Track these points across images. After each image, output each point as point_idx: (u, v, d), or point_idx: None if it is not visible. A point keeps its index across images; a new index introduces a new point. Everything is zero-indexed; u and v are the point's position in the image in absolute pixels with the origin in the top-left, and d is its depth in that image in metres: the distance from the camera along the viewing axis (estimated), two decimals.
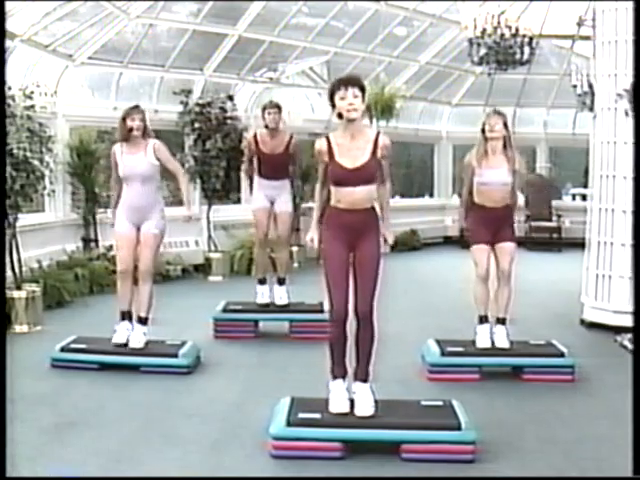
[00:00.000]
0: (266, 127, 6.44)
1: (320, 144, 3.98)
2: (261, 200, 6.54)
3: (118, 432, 4.17)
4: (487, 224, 5.30)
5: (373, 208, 4.03)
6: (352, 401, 4.01)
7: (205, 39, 9.66)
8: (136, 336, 5.44)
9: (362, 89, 3.87)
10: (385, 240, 4.11)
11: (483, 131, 5.31)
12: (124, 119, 5.38)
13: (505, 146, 5.29)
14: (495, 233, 5.32)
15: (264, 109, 6.48)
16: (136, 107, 5.48)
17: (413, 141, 13.63)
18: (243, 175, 6.48)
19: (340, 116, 3.89)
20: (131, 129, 5.35)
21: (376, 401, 3.99)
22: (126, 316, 5.52)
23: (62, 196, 8.60)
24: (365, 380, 4.03)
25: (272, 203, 6.53)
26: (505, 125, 5.28)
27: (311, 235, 4.20)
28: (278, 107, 6.44)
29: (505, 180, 5.27)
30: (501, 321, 5.39)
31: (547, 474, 3.71)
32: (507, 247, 5.33)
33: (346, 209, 3.94)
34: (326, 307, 6.39)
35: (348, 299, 3.97)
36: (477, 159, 5.31)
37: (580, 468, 3.77)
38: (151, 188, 5.43)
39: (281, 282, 6.59)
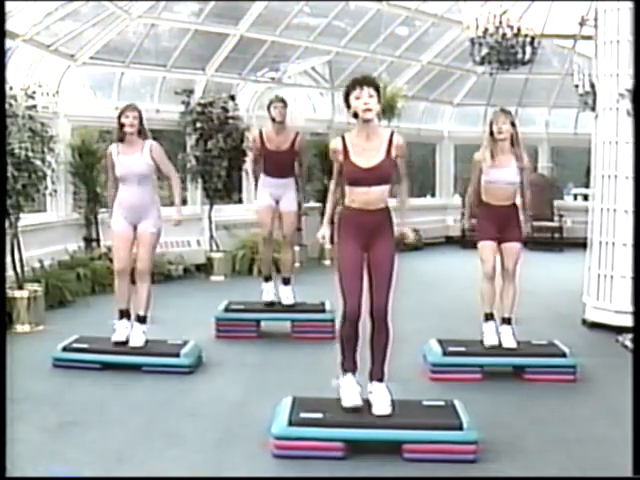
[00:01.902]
0: (273, 120, 6.40)
1: (335, 143, 3.98)
2: (265, 198, 6.45)
3: (120, 432, 4.17)
4: (493, 221, 5.32)
5: (387, 208, 4.01)
6: (368, 401, 4.00)
7: (207, 39, 9.66)
8: (136, 335, 5.47)
9: (377, 89, 3.88)
10: (403, 236, 4.15)
11: (491, 132, 5.29)
12: (119, 117, 5.41)
13: (512, 144, 5.29)
14: (501, 230, 5.32)
15: (270, 103, 6.45)
16: (130, 105, 5.50)
17: (415, 141, 13.55)
18: (250, 174, 6.29)
19: (355, 115, 3.89)
20: (123, 125, 5.37)
21: (393, 400, 3.99)
22: (124, 314, 5.54)
23: (64, 196, 8.60)
24: (381, 379, 4.04)
25: (277, 202, 6.44)
26: (512, 124, 5.27)
27: (322, 232, 4.17)
28: (284, 101, 6.43)
29: (512, 179, 5.29)
30: (507, 321, 5.40)
31: (549, 474, 3.71)
32: (513, 247, 5.35)
33: (360, 209, 3.94)
34: (328, 307, 6.43)
35: (362, 300, 3.95)
36: (485, 158, 5.31)
37: (581, 468, 3.77)
38: (147, 188, 5.44)
39: (286, 282, 6.56)
